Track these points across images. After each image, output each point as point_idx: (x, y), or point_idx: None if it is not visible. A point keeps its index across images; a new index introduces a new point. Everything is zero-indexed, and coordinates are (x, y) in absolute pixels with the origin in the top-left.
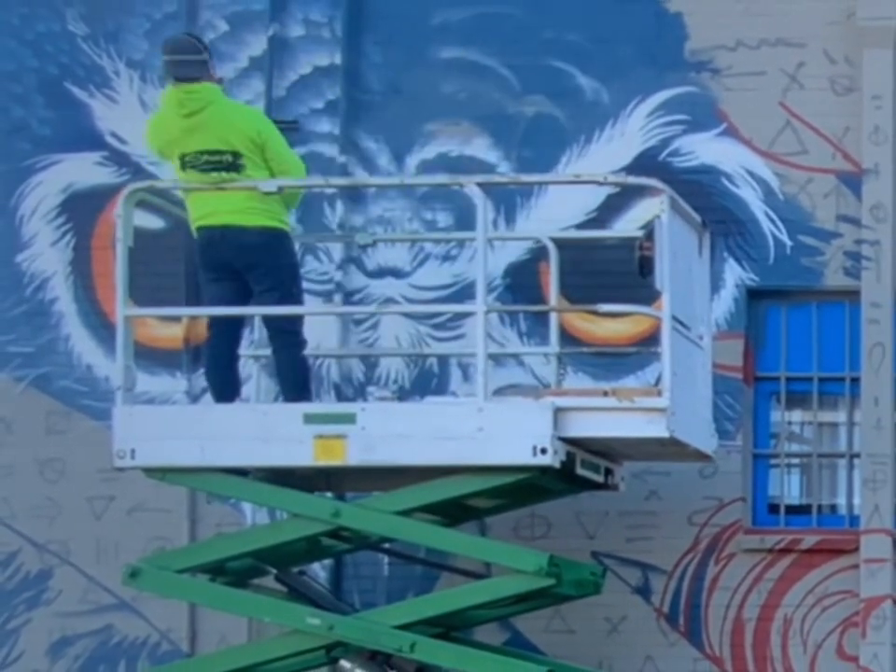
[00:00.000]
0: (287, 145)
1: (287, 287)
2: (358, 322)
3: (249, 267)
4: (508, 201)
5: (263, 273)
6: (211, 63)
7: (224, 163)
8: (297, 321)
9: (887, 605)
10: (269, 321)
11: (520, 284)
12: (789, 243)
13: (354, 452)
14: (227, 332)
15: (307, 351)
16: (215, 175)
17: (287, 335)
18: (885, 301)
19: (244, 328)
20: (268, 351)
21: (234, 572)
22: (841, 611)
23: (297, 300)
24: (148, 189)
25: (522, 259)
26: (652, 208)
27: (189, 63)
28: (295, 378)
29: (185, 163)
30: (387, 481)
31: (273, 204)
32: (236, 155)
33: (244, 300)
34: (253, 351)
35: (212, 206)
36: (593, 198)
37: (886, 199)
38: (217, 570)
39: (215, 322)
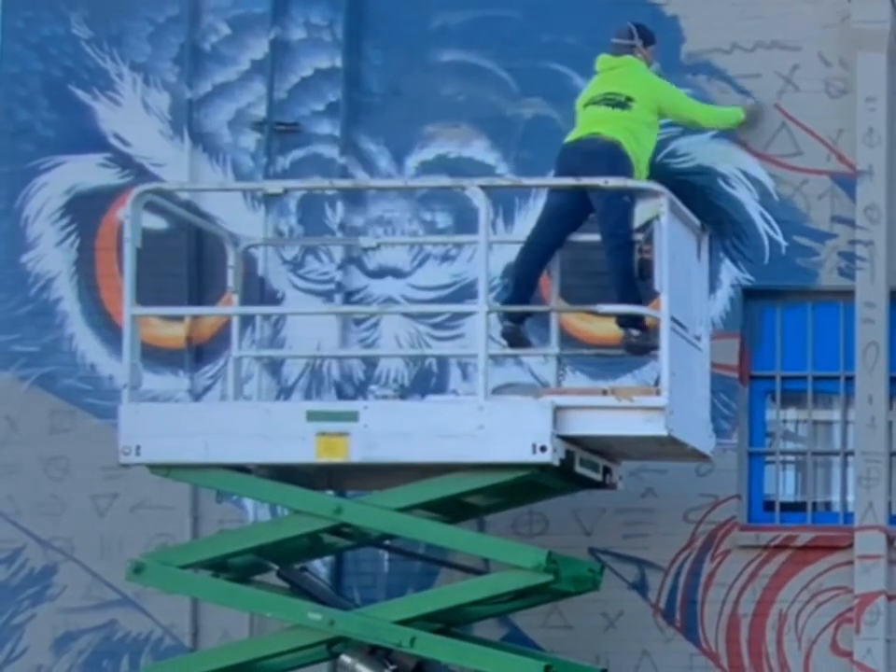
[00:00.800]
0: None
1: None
2: (359, 322)
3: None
4: (507, 202)
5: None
6: (641, 48)
7: (617, 101)
8: (627, 223)
9: (880, 601)
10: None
11: None
12: (784, 243)
13: (356, 449)
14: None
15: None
16: (605, 108)
17: (615, 238)
18: (879, 300)
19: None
20: (269, 350)
21: (237, 568)
22: (835, 607)
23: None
24: (155, 191)
25: None
26: (650, 210)
27: (619, 45)
28: (623, 283)
29: (587, 104)
30: (388, 478)
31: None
32: (629, 98)
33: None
34: (256, 351)
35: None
36: None
37: (879, 200)
38: (219, 566)
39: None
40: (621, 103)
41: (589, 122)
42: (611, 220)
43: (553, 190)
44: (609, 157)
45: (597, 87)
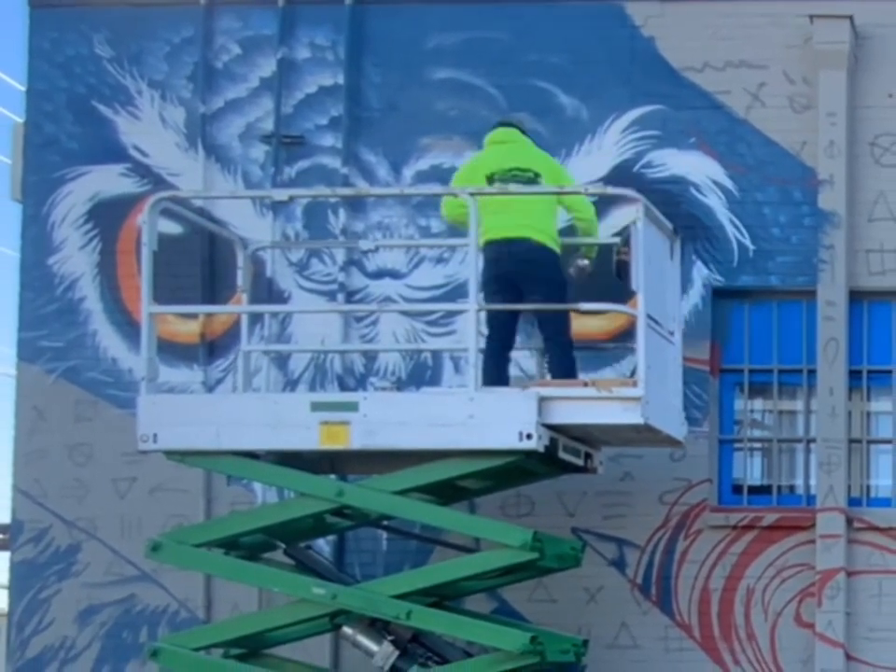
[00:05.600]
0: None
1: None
2: (359, 319)
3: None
4: None
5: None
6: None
7: (526, 179)
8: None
9: (840, 577)
10: (542, 327)
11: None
12: (751, 247)
13: (356, 437)
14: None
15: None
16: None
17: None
18: (839, 299)
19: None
20: (277, 346)
21: (246, 546)
22: (799, 583)
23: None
24: (171, 199)
25: None
26: (628, 216)
27: (506, 122)
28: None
29: (491, 180)
30: (386, 463)
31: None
32: (537, 175)
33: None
34: (264, 346)
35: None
36: None
37: (839, 207)
38: (230, 545)
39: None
40: (531, 179)
41: (511, 216)
42: (550, 327)
43: (491, 293)
44: (544, 265)
45: (497, 160)
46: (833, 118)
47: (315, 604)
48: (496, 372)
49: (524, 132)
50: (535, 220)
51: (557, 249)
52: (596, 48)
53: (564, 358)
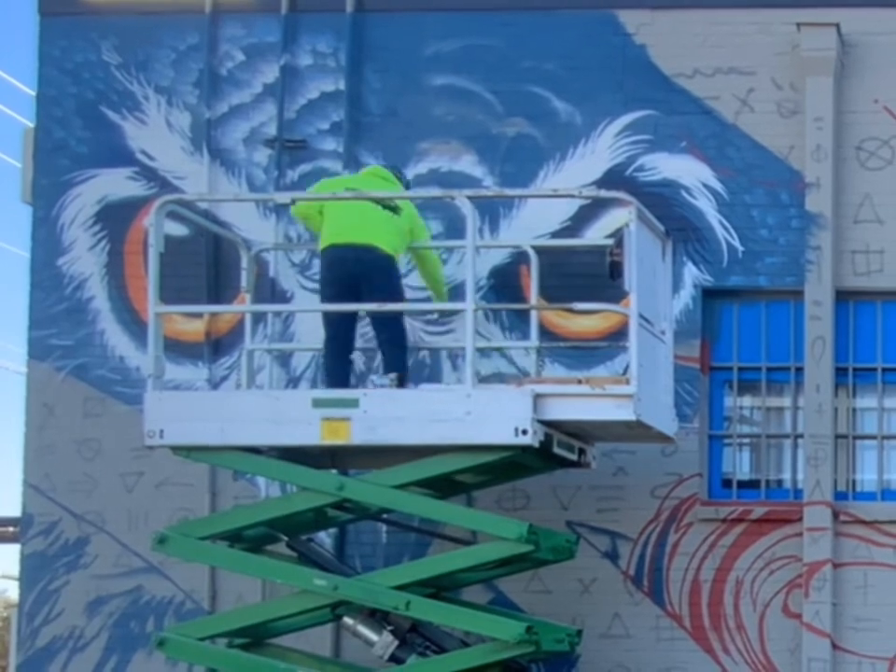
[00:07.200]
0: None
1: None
2: (359, 318)
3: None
4: (492, 211)
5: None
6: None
7: (388, 205)
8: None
9: (827, 568)
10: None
11: (503, 285)
12: (740, 248)
13: (357, 432)
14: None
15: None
16: (376, 210)
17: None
18: (825, 299)
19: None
20: (279, 344)
21: (250, 539)
22: (786, 574)
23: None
24: (177, 201)
25: (504, 263)
26: (620, 218)
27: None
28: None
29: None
30: (386, 458)
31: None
32: (397, 207)
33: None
34: (267, 345)
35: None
36: (567, 209)
37: (826, 209)
38: (234, 537)
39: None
40: (392, 207)
41: (363, 226)
42: (386, 331)
43: (328, 296)
44: (386, 272)
45: (362, 182)
46: (820, 122)
47: (316, 595)
48: (342, 373)
49: (399, 179)
50: (385, 234)
51: (396, 257)
52: (590, 55)
53: (396, 361)
